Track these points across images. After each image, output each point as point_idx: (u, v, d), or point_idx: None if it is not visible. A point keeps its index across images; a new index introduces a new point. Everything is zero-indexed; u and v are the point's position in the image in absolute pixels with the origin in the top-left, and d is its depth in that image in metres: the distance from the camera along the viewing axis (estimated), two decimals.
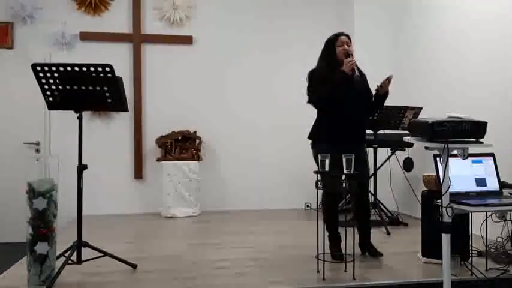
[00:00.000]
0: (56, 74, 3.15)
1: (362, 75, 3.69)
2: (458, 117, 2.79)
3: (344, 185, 3.30)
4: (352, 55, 3.59)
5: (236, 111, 6.40)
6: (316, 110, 3.76)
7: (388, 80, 3.59)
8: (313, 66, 3.77)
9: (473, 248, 3.44)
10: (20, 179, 3.26)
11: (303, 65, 6.65)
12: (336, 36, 3.72)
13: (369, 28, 6.26)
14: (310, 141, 3.76)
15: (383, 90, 3.63)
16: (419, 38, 5.70)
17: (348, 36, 3.73)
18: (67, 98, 3.23)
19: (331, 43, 3.71)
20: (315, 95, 3.65)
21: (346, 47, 3.65)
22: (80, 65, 3.13)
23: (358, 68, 3.60)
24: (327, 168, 3.17)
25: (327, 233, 3.61)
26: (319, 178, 3.21)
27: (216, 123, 6.34)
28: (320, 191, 3.25)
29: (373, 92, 3.72)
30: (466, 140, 2.80)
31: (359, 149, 3.65)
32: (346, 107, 3.60)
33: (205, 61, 6.34)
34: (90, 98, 3.22)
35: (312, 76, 3.71)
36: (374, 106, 3.85)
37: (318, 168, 3.27)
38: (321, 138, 3.67)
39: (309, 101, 3.69)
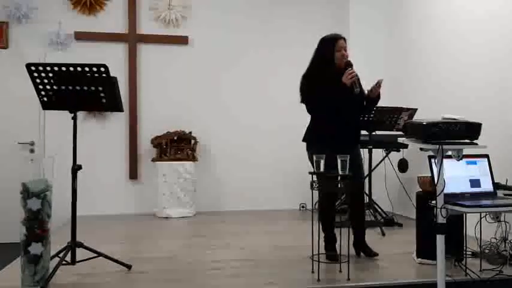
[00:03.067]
0: (50, 74, 3.14)
1: (361, 88, 3.58)
2: (452, 119, 2.80)
3: (339, 185, 3.30)
4: (352, 65, 3.52)
5: (232, 111, 6.40)
6: (309, 113, 3.74)
7: (378, 85, 3.54)
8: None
9: (468, 249, 3.45)
10: (14, 179, 3.24)
11: (298, 66, 6.65)
12: (335, 39, 3.61)
13: (363, 29, 6.28)
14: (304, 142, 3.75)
15: (373, 94, 3.60)
16: (414, 40, 5.72)
17: (345, 39, 3.64)
18: (62, 98, 3.22)
19: (330, 45, 3.60)
20: (310, 100, 3.61)
21: (344, 52, 3.58)
22: (75, 65, 3.12)
23: (358, 81, 3.52)
24: (322, 169, 3.17)
25: (322, 234, 3.62)
26: (314, 179, 3.21)
27: (211, 123, 6.34)
28: (315, 192, 3.25)
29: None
30: (460, 141, 2.81)
31: (353, 150, 3.65)
32: (341, 111, 3.58)
33: (201, 61, 6.34)
34: (85, 98, 3.21)
35: (307, 79, 3.65)
36: (365, 108, 3.84)
37: (314, 170, 3.27)
38: (316, 139, 3.66)
39: (302, 102, 3.67)
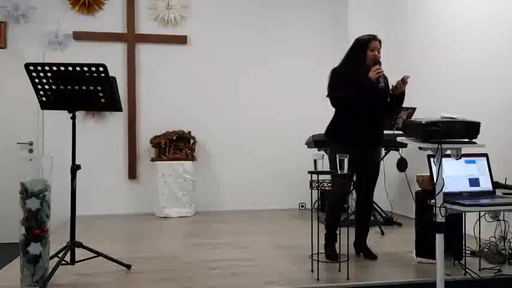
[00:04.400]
0: (49, 74, 3.13)
1: (386, 85, 3.57)
2: (451, 118, 2.80)
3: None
4: (380, 63, 3.51)
5: (231, 111, 6.39)
6: (333, 108, 3.70)
7: (403, 81, 3.47)
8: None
9: (467, 248, 3.45)
10: (13, 179, 3.24)
11: (297, 66, 6.67)
12: (370, 38, 3.59)
13: (362, 27, 6.21)
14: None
15: (398, 91, 3.52)
16: (413, 39, 5.72)
17: (380, 41, 3.61)
18: (60, 98, 3.22)
19: (364, 45, 3.59)
20: (335, 95, 3.58)
21: (377, 53, 3.56)
22: (74, 65, 3.12)
23: (384, 78, 3.52)
24: (317, 168, 3.16)
25: (323, 232, 3.61)
26: (313, 178, 3.20)
27: (210, 123, 6.33)
28: (314, 191, 3.24)
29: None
30: (459, 140, 2.81)
31: (374, 151, 3.65)
32: (365, 110, 3.54)
33: (200, 61, 6.34)
34: (83, 98, 3.21)
35: (335, 75, 3.62)
36: (391, 107, 3.74)
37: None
38: (336, 138, 3.64)
39: (328, 96, 3.63)
